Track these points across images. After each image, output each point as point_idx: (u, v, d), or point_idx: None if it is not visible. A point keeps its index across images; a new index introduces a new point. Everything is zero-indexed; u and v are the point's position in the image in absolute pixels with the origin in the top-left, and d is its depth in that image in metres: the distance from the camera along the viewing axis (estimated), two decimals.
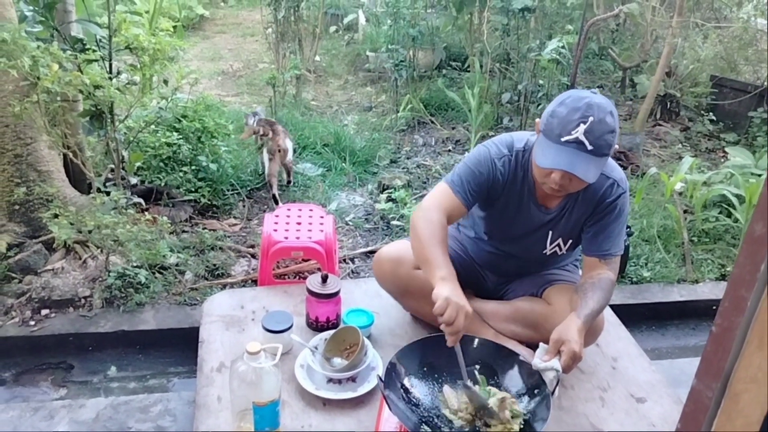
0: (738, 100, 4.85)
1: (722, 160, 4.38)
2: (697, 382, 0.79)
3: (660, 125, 5.00)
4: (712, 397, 0.76)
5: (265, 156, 3.49)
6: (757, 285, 0.69)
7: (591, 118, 1.60)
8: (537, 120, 1.76)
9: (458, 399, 1.62)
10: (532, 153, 1.78)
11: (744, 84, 4.97)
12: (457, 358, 1.63)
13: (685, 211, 3.39)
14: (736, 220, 3.28)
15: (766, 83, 4.83)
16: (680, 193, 3.43)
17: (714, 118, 4.91)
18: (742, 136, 4.77)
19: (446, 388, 1.66)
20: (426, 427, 1.54)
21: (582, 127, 1.60)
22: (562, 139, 1.62)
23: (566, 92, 1.71)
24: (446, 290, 1.60)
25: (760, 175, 3.37)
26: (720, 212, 3.45)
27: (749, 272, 0.70)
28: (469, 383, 1.62)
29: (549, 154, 1.66)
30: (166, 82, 2.80)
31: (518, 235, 1.96)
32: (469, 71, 5.31)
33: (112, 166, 2.85)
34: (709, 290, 2.95)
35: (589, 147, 1.61)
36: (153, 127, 3.09)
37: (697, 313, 2.87)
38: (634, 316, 2.65)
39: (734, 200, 3.25)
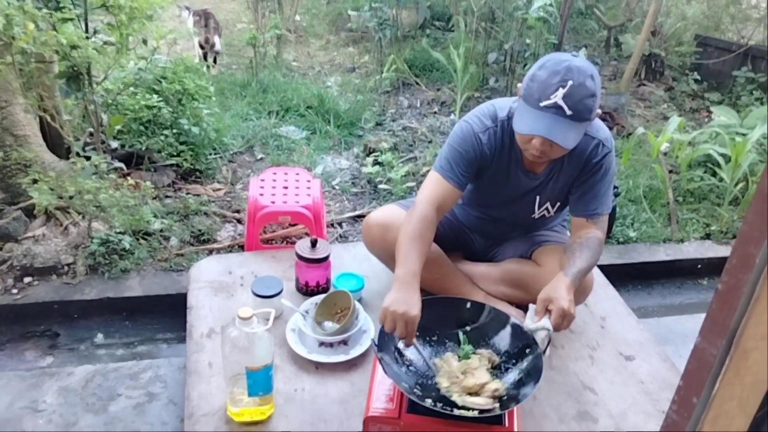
0: (722, 60, 4.85)
1: (706, 120, 4.39)
2: (701, 340, 0.78)
3: (644, 85, 4.99)
4: (717, 355, 0.76)
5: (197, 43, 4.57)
6: (767, 242, 0.68)
7: (570, 82, 1.56)
8: (518, 85, 1.72)
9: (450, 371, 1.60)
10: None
11: (728, 43, 4.96)
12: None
13: (670, 171, 3.40)
14: (721, 180, 3.30)
15: (749, 42, 4.82)
16: (665, 153, 3.44)
17: (698, 77, 4.91)
18: (725, 95, 4.78)
19: (438, 361, 1.64)
20: (419, 390, 1.54)
21: (561, 92, 1.56)
22: (541, 104, 1.59)
23: (547, 55, 1.67)
24: (387, 299, 1.55)
25: (745, 135, 3.37)
26: (705, 172, 3.47)
27: (758, 229, 0.69)
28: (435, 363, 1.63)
29: (527, 119, 1.62)
30: (145, 42, 2.70)
31: (506, 201, 1.95)
32: (453, 31, 5.23)
33: (91, 129, 2.78)
34: (695, 249, 2.98)
35: (568, 112, 1.57)
36: (132, 89, 3.01)
37: (683, 272, 2.91)
38: (620, 276, 2.68)
39: (720, 159, 3.26)
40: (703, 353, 0.78)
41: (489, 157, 1.84)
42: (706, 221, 3.17)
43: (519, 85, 1.72)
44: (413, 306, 1.55)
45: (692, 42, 5.07)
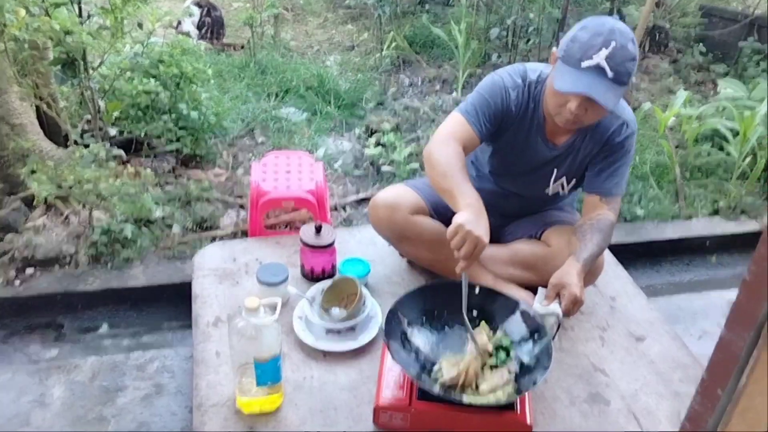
0: (728, 30, 4.75)
1: (711, 92, 4.33)
2: (726, 332, 0.75)
3: (649, 58, 4.91)
4: (743, 346, 0.73)
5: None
6: None
7: (613, 44, 1.54)
8: (554, 49, 1.68)
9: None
10: (545, 85, 1.72)
11: (734, 13, 4.87)
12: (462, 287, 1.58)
13: (677, 147, 3.35)
14: (728, 154, 3.25)
15: (755, 11, 4.73)
16: (671, 128, 3.39)
17: (704, 49, 4.82)
18: (731, 66, 4.70)
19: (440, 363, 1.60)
20: (427, 376, 1.52)
21: (604, 52, 1.54)
22: (582, 65, 1.56)
23: (588, 18, 1.65)
24: (463, 216, 1.53)
25: (753, 108, 3.32)
26: (712, 146, 3.42)
27: None
28: (467, 322, 1.58)
29: (568, 79, 1.59)
30: (140, 25, 2.65)
31: (522, 170, 1.91)
32: (454, 6, 5.14)
33: (89, 116, 2.73)
34: (703, 226, 2.94)
35: (610, 74, 1.55)
36: (129, 74, 2.95)
37: (691, 248, 2.88)
38: (628, 255, 2.64)
39: (728, 134, 3.21)
40: (729, 345, 0.75)
41: (513, 116, 1.80)
42: (714, 197, 3.12)
43: (554, 50, 1.68)
44: (487, 233, 1.53)
45: (697, 12, 4.98)
